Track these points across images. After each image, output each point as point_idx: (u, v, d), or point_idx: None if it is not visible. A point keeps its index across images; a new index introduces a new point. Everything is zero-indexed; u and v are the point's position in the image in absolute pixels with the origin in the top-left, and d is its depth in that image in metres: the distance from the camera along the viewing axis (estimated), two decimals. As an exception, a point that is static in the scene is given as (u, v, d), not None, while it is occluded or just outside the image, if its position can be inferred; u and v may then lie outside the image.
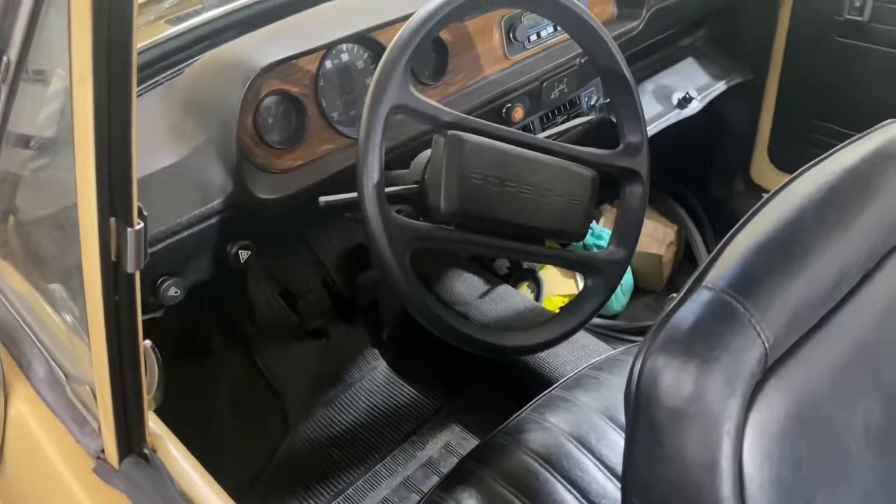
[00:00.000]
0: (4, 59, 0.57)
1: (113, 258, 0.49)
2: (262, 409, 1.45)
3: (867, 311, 0.62)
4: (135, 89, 0.45)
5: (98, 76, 0.43)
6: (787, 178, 0.67)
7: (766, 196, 0.65)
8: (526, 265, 1.74)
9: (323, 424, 1.42)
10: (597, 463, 0.97)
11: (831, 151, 0.68)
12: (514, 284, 1.70)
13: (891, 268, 0.63)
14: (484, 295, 1.48)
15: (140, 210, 0.49)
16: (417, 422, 1.40)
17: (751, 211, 0.63)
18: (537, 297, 1.69)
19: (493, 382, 1.41)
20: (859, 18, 1.54)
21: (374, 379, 1.51)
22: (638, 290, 1.83)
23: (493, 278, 1.54)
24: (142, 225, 0.49)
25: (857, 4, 1.53)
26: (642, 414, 0.55)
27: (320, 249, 1.53)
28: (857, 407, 0.60)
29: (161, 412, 0.71)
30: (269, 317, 1.49)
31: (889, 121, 0.73)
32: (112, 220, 0.48)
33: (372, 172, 0.84)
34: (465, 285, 1.51)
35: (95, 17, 0.41)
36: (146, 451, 0.61)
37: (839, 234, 0.59)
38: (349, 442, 1.38)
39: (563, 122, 1.33)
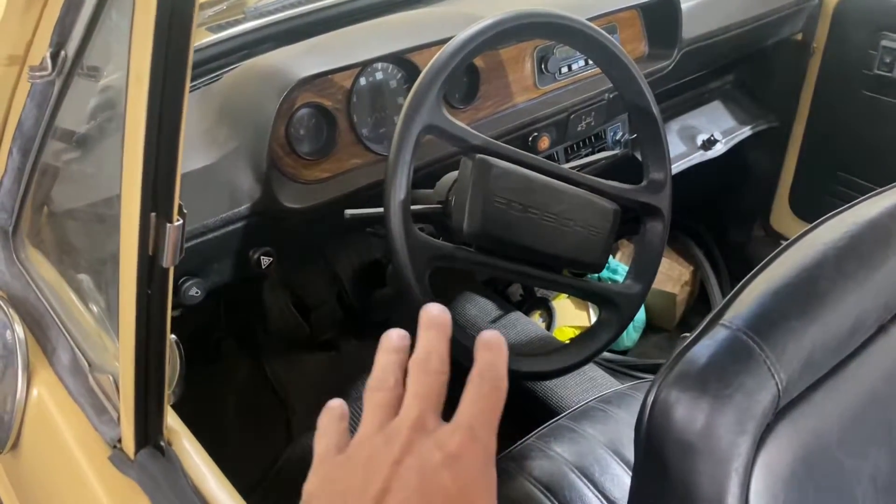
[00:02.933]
0: (62, 53, 0.59)
1: (150, 252, 0.51)
2: (266, 416, 1.45)
3: (881, 363, 0.63)
4: (187, 93, 0.47)
5: (154, 77, 0.44)
6: (807, 226, 0.68)
7: (784, 243, 0.66)
8: (539, 293, 1.75)
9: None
10: (599, 496, 0.97)
11: (854, 202, 0.69)
12: (527, 312, 1.71)
13: (907, 321, 0.64)
14: (496, 320, 1.49)
15: (180, 207, 0.51)
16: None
17: (772, 254, 0.63)
18: (549, 327, 1.70)
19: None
20: (889, 74, 1.55)
21: (381, 396, 1.51)
22: (649, 328, 1.83)
23: (506, 304, 1.54)
24: (181, 222, 0.51)
25: (888, 60, 1.55)
26: (652, 446, 0.56)
27: (338, 263, 1.54)
28: (866, 457, 0.61)
29: (172, 407, 0.72)
30: (281, 325, 1.51)
31: (913, 176, 0.74)
32: (153, 215, 0.50)
33: (400, 190, 0.85)
34: (478, 309, 1.52)
35: (158, 20, 0.43)
36: (162, 443, 0.62)
37: (857, 284, 0.60)
38: (351, 457, 1.38)
39: (587, 155, 1.35)
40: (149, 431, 0.60)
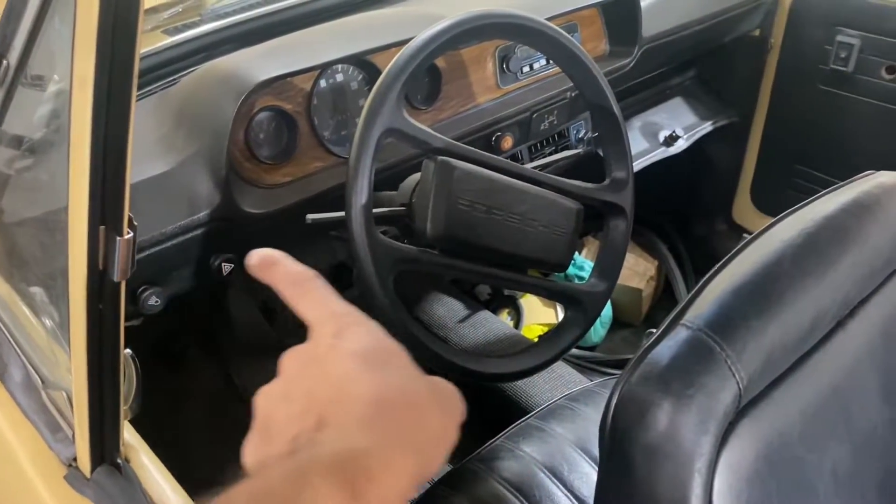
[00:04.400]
0: (4, 63, 0.57)
1: (100, 266, 0.49)
2: (235, 422, 1.43)
3: (840, 358, 0.63)
4: (134, 98, 0.45)
5: (99, 81, 0.43)
6: (768, 219, 0.68)
7: (746, 238, 0.66)
8: (507, 292, 1.75)
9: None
10: (568, 494, 0.98)
11: (812, 199, 0.70)
12: (495, 311, 1.70)
13: (863, 316, 0.65)
14: (464, 320, 1.49)
15: (130, 220, 0.49)
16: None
17: (731, 253, 0.64)
18: (517, 325, 1.70)
19: (470, 407, 1.41)
20: (844, 69, 1.57)
21: (349, 398, 1.50)
22: (616, 323, 1.84)
23: (474, 304, 1.54)
24: (131, 234, 0.49)
25: (843, 55, 1.57)
26: (616, 447, 0.56)
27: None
28: (826, 451, 0.61)
29: (131, 422, 0.70)
30: (247, 331, 1.49)
31: (869, 172, 0.75)
32: (102, 227, 0.48)
33: (361, 193, 0.84)
34: (446, 309, 1.51)
35: (101, 21, 0.41)
36: (119, 461, 0.60)
37: (815, 282, 0.61)
38: (321, 461, 1.37)
39: (551, 154, 1.35)
40: (105, 449, 0.59)
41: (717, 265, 0.63)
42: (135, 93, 0.45)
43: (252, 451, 0.40)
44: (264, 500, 0.33)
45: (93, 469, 0.60)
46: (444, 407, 0.41)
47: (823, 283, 0.61)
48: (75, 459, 0.63)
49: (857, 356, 0.65)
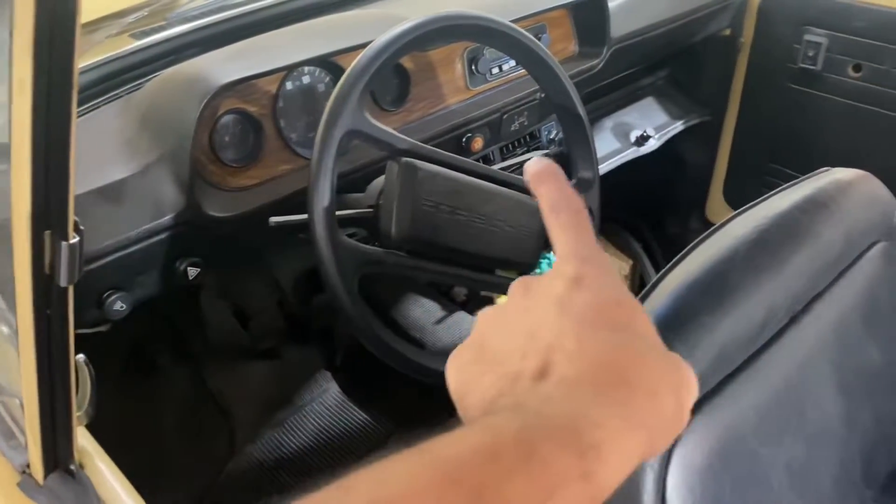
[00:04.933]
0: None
1: (46, 271, 0.49)
2: (208, 428, 1.43)
3: (793, 353, 0.64)
4: (75, 101, 0.45)
5: (38, 84, 0.43)
6: (742, 217, 0.68)
7: (700, 237, 0.67)
8: (483, 293, 1.75)
9: (271, 447, 1.40)
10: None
11: (767, 195, 0.71)
12: (472, 312, 1.70)
13: (817, 312, 0.66)
14: (440, 321, 1.48)
15: (76, 224, 0.49)
16: (368, 447, 1.39)
17: (684, 250, 0.64)
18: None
19: (445, 410, 1.41)
20: (812, 67, 1.59)
21: (326, 402, 1.49)
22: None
23: (451, 305, 1.54)
24: (77, 239, 0.49)
25: (811, 54, 1.59)
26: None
27: (277, 270, 1.52)
28: (781, 445, 0.62)
29: (103, 428, 0.70)
30: (221, 335, 1.48)
31: (824, 169, 0.76)
32: (47, 233, 0.48)
33: (323, 195, 0.84)
34: (422, 311, 1.51)
35: (38, 25, 0.41)
36: (72, 466, 0.60)
37: (767, 278, 0.61)
38: (297, 465, 1.36)
39: (522, 154, 1.35)
40: (58, 455, 0.59)
41: (671, 262, 0.64)
42: (75, 95, 0.45)
43: (460, 364, 0.39)
44: (492, 461, 0.29)
45: (46, 475, 0.59)
46: (682, 386, 0.36)
47: (776, 279, 0.62)
48: (28, 466, 0.62)
49: (811, 351, 0.65)
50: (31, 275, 0.48)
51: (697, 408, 0.57)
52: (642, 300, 0.60)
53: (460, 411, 0.38)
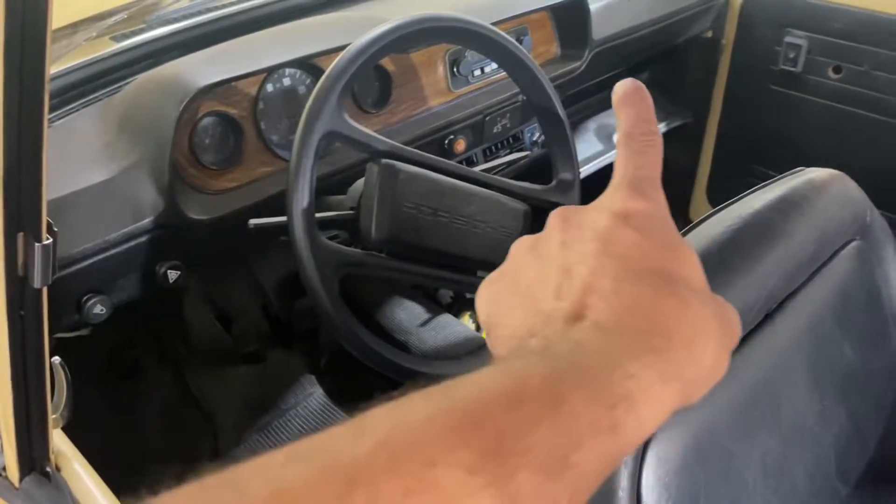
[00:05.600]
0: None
1: (20, 273, 0.49)
2: (191, 432, 1.42)
3: (768, 351, 0.65)
4: (46, 103, 0.45)
5: (8, 88, 0.43)
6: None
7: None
8: (469, 295, 1.75)
9: (254, 451, 1.40)
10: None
11: (739, 196, 0.71)
12: (457, 314, 1.71)
13: (791, 310, 0.66)
14: (425, 323, 1.49)
15: (50, 225, 0.49)
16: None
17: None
18: (479, 328, 1.70)
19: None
20: (793, 69, 1.61)
21: (310, 406, 1.49)
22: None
23: (436, 307, 1.54)
24: (51, 240, 0.49)
25: (791, 56, 1.60)
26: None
27: (260, 273, 1.52)
28: (755, 442, 0.63)
29: (84, 431, 0.70)
30: (204, 339, 1.48)
31: (798, 169, 0.76)
32: (20, 234, 0.48)
33: (301, 197, 0.85)
34: (407, 313, 1.51)
35: (7, 29, 0.41)
36: (48, 469, 0.60)
37: (740, 277, 0.62)
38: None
39: (505, 156, 1.36)
40: (34, 457, 0.58)
41: (647, 262, 0.64)
42: (47, 98, 0.45)
43: (490, 294, 0.37)
44: (516, 408, 0.28)
45: (21, 478, 0.59)
46: (725, 333, 0.34)
47: (749, 278, 0.62)
48: (4, 468, 0.62)
49: (785, 349, 0.66)
50: (4, 276, 0.48)
51: (671, 406, 0.57)
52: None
53: (489, 343, 0.36)
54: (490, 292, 0.38)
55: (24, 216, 0.47)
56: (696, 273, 0.35)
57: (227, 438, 1.41)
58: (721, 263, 0.62)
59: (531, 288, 0.35)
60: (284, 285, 1.53)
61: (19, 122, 0.44)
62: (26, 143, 0.45)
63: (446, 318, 1.50)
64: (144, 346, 1.42)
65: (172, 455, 1.38)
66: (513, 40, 1.00)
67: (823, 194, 0.72)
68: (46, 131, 0.46)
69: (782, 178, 0.74)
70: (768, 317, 0.65)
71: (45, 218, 0.48)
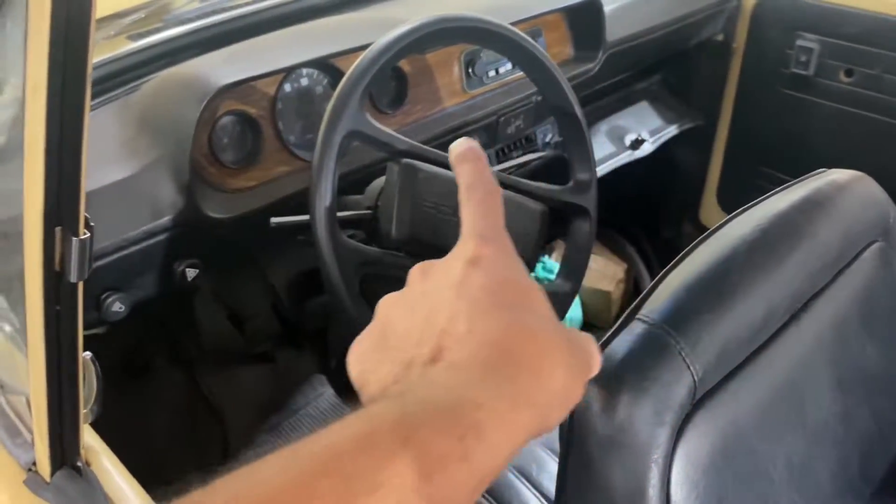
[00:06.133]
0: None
1: (57, 267, 0.49)
2: (202, 432, 1.43)
3: (793, 351, 0.65)
4: (88, 100, 0.46)
5: (53, 83, 0.43)
6: (734, 221, 0.69)
7: (699, 238, 0.67)
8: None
9: (265, 451, 1.39)
10: (537, 494, 0.98)
11: (764, 196, 0.72)
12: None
13: (816, 310, 0.66)
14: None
15: (87, 220, 0.49)
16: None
17: (686, 249, 0.65)
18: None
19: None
20: (804, 73, 1.61)
21: (320, 406, 1.49)
22: (586, 326, 1.86)
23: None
24: (88, 235, 0.49)
25: (803, 59, 1.60)
26: (574, 440, 0.57)
27: (271, 272, 1.52)
28: (781, 441, 0.63)
29: (97, 431, 0.70)
30: (215, 338, 1.48)
31: (821, 170, 0.77)
32: (58, 229, 0.48)
33: (324, 196, 0.85)
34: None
35: (53, 27, 0.41)
36: (79, 464, 0.60)
37: (767, 276, 0.62)
38: (291, 468, 1.36)
39: (518, 157, 1.36)
40: (65, 452, 0.59)
41: (673, 261, 0.64)
42: (89, 93, 0.46)
43: (360, 352, 0.39)
44: (369, 445, 0.30)
45: (52, 473, 0.59)
46: (576, 360, 0.37)
47: (775, 277, 0.63)
48: (35, 463, 0.62)
49: (810, 349, 0.66)
50: (41, 271, 0.48)
51: (700, 404, 0.58)
52: (645, 299, 0.61)
53: (362, 400, 0.38)
54: (359, 351, 0.40)
55: (63, 210, 0.48)
56: (541, 306, 0.39)
57: (237, 439, 1.41)
58: (748, 263, 0.62)
59: (396, 340, 0.38)
60: (295, 285, 1.53)
61: (61, 116, 0.45)
62: (67, 137, 0.46)
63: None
64: (156, 345, 1.42)
65: (183, 456, 1.38)
66: (533, 41, 1.00)
67: (846, 195, 0.72)
68: (87, 126, 0.46)
69: (805, 179, 0.74)
70: (793, 317, 0.65)
71: (83, 212, 0.48)
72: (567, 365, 0.36)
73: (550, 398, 0.35)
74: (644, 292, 0.61)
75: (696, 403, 0.57)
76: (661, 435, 0.55)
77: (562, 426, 0.58)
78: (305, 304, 1.53)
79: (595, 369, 0.39)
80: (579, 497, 0.57)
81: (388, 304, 0.40)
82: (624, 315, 0.60)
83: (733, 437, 0.60)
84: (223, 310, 1.47)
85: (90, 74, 0.45)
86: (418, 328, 0.37)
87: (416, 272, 0.41)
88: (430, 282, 0.39)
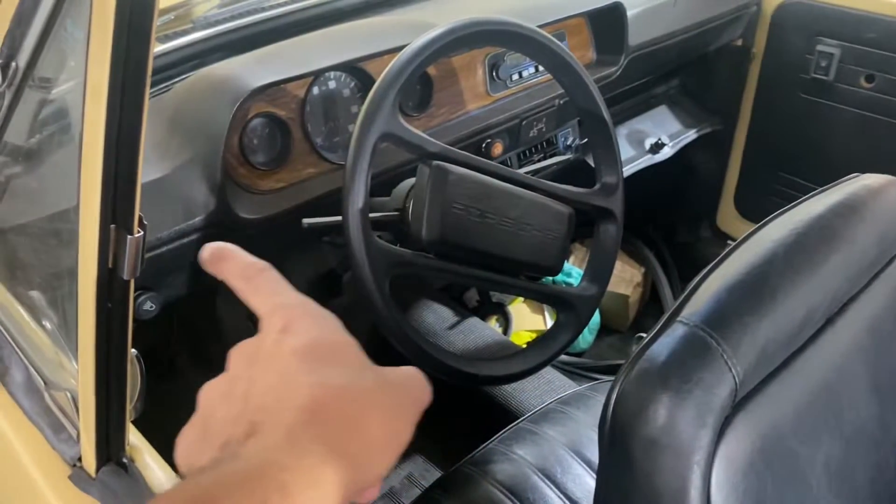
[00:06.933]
0: (13, 64, 0.58)
1: (110, 264, 0.50)
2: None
3: (830, 354, 0.65)
4: (147, 100, 0.46)
5: (113, 88, 0.44)
6: (752, 226, 0.70)
7: (731, 244, 0.68)
8: (495, 299, 1.76)
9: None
10: (562, 496, 0.99)
11: (800, 200, 0.72)
12: (484, 318, 1.71)
13: (852, 313, 0.67)
14: (453, 326, 1.49)
15: (140, 219, 0.50)
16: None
17: (724, 253, 0.65)
18: (505, 332, 1.71)
19: (457, 414, 1.42)
20: (825, 78, 1.61)
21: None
22: (604, 330, 1.86)
23: (463, 311, 1.55)
24: (141, 233, 0.50)
25: (823, 64, 1.60)
26: (616, 441, 0.57)
27: (292, 273, 1.52)
28: (819, 445, 0.63)
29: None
30: (236, 338, 1.47)
31: (854, 174, 0.77)
32: (112, 226, 0.49)
33: (358, 198, 0.85)
34: (435, 316, 1.52)
35: (116, 31, 0.42)
36: (125, 460, 0.60)
37: (805, 279, 0.62)
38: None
39: (539, 160, 1.36)
40: (111, 448, 0.59)
41: (710, 265, 0.65)
42: (147, 94, 0.46)
43: (185, 445, 0.39)
44: None
45: (98, 468, 0.60)
46: (395, 402, 0.38)
47: (813, 280, 0.63)
48: (80, 459, 0.63)
49: (847, 353, 0.66)
50: (96, 268, 0.49)
51: (741, 406, 0.58)
52: (684, 301, 0.61)
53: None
54: (184, 445, 0.39)
55: (119, 208, 0.49)
56: (354, 358, 0.39)
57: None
58: (787, 265, 0.62)
59: (216, 425, 0.38)
60: (314, 286, 1.54)
61: (120, 115, 0.45)
62: (125, 137, 0.46)
63: (473, 322, 1.50)
64: (180, 345, 1.43)
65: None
66: (561, 45, 1.01)
67: (881, 199, 0.72)
68: (145, 124, 0.47)
69: (839, 183, 0.75)
70: (830, 320, 0.66)
71: (137, 211, 0.49)
72: (384, 409, 0.37)
73: (366, 446, 0.36)
74: (683, 295, 0.62)
75: (737, 405, 0.58)
76: (703, 436, 0.55)
77: (602, 426, 0.59)
78: (325, 304, 1.53)
79: (425, 401, 0.39)
80: (621, 497, 0.58)
81: (207, 392, 0.40)
82: (664, 318, 0.60)
83: (772, 440, 0.60)
84: (245, 310, 1.48)
85: (150, 75, 0.45)
86: (236, 409, 0.37)
87: (234, 354, 0.41)
88: (244, 360, 0.40)
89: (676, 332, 0.58)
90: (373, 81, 0.91)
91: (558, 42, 1.01)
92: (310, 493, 0.33)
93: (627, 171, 1.59)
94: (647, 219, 1.94)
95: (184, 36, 1.15)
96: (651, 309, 1.92)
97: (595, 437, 0.90)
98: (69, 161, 0.52)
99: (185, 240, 0.93)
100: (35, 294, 0.74)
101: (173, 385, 1.44)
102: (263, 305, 0.41)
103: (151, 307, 0.94)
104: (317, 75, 1.05)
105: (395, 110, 0.89)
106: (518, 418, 1.11)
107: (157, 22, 1.20)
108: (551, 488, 0.99)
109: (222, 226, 0.95)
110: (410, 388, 0.39)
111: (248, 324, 1.32)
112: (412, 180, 0.98)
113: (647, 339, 0.59)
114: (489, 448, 1.05)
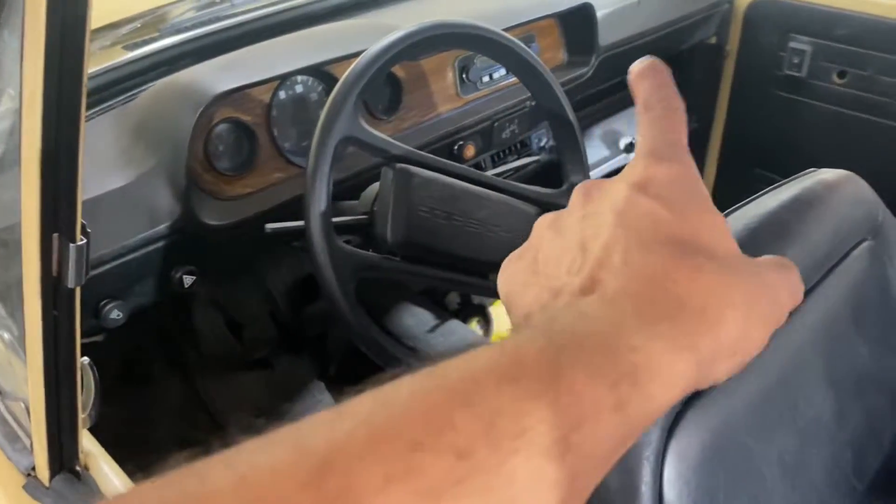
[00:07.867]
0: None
1: (54, 274, 0.50)
2: (202, 439, 1.42)
3: (785, 350, 0.65)
4: (83, 109, 0.46)
5: (48, 100, 0.44)
6: (727, 223, 0.70)
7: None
8: (476, 301, 1.76)
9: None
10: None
11: (754, 196, 0.72)
12: (465, 320, 1.72)
13: (807, 308, 0.67)
14: (433, 329, 1.49)
15: (83, 226, 0.50)
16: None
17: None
18: (487, 333, 1.71)
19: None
20: (798, 74, 1.62)
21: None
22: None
23: (444, 313, 1.55)
24: (84, 241, 0.50)
25: (796, 61, 1.61)
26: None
27: (269, 278, 1.52)
28: (773, 439, 0.63)
29: (97, 438, 0.70)
30: (213, 345, 1.48)
31: (810, 169, 0.77)
32: (55, 235, 0.49)
33: (319, 201, 0.86)
34: (415, 320, 1.51)
35: (48, 44, 0.42)
36: (78, 468, 0.60)
37: (758, 275, 0.63)
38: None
39: (513, 162, 1.37)
40: (63, 457, 0.59)
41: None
42: (84, 102, 0.46)
43: (511, 272, 0.36)
44: (509, 384, 0.25)
45: (51, 477, 0.60)
46: (761, 304, 0.31)
47: (766, 276, 0.63)
48: (34, 468, 0.63)
49: (802, 348, 0.67)
50: (39, 276, 0.49)
51: (692, 402, 0.58)
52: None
53: (509, 321, 0.35)
54: (509, 271, 0.37)
55: (60, 217, 0.48)
56: (719, 239, 0.33)
57: (235, 444, 1.41)
58: (738, 262, 0.62)
59: (547, 264, 0.34)
60: (293, 291, 1.53)
61: (57, 125, 0.45)
62: (63, 145, 0.46)
63: (454, 324, 1.50)
64: (155, 352, 1.43)
65: (184, 463, 1.38)
66: (525, 47, 1.01)
67: (836, 194, 0.73)
68: (84, 133, 0.47)
69: (795, 178, 0.75)
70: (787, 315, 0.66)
71: (79, 219, 0.49)
72: (745, 309, 0.30)
73: (717, 346, 0.29)
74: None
75: (687, 401, 0.58)
76: (653, 432, 0.55)
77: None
78: (303, 310, 1.54)
79: (793, 305, 0.33)
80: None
81: (543, 226, 0.37)
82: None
83: (725, 435, 0.60)
84: (221, 316, 1.48)
85: (86, 83, 0.45)
86: (571, 254, 0.33)
87: (579, 192, 0.36)
88: (591, 204, 0.35)
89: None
90: None
91: (521, 44, 1.01)
92: (656, 387, 0.27)
93: (602, 170, 1.60)
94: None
95: (150, 44, 1.15)
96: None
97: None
98: (15, 172, 0.52)
99: (151, 247, 0.93)
100: (-8, 305, 0.73)
101: (151, 391, 1.43)
102: (642, 142, 0.35)
103: (118, 315, 0.94)
104: (283, 80, 1.05)
105: (357, 113, 0.89)
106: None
107: (125, 30, 1.20)
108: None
109: (188, 233, 0.95)
110: (781, 288, 0.33)
111: (225, 330, 1.32)
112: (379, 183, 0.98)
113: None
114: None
